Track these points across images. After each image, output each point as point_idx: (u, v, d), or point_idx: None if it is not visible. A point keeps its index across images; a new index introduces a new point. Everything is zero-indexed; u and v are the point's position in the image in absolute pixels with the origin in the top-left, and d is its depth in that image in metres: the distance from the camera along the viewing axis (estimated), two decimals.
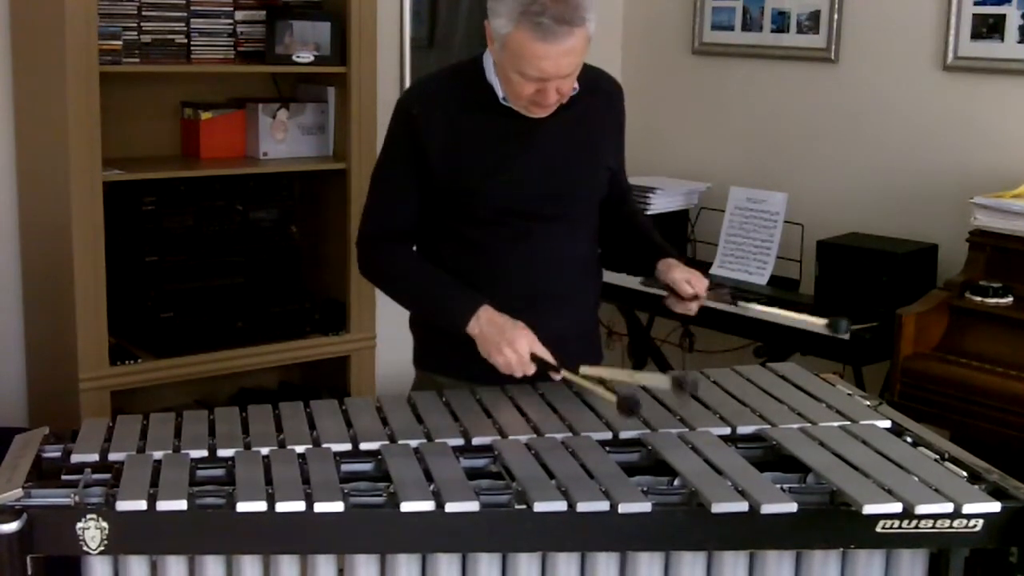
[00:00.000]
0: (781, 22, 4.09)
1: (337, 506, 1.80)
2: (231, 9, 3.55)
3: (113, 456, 1.97)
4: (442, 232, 2.40)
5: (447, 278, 2.34)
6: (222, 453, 2.00)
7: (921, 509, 1.82)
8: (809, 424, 2.17)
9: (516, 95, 2.24)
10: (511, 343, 2.20)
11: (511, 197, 2.32)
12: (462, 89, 2.34)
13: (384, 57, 3.83)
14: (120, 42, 3.32)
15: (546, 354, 2.22)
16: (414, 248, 2.44)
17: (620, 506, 1.82)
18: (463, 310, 2.26)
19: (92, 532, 1.78)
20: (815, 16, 3.98)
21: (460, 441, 2.06)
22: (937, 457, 2.05)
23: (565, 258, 2.39)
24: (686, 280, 2.37)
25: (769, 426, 2.16)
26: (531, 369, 2.21)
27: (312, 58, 3.60)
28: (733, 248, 3.97)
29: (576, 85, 2.30)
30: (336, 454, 2.00)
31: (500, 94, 2.29)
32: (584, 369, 2.23)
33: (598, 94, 2.41)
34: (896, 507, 1.82)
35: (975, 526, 1.86)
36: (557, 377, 2.24)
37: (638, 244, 2.52)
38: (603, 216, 2.49)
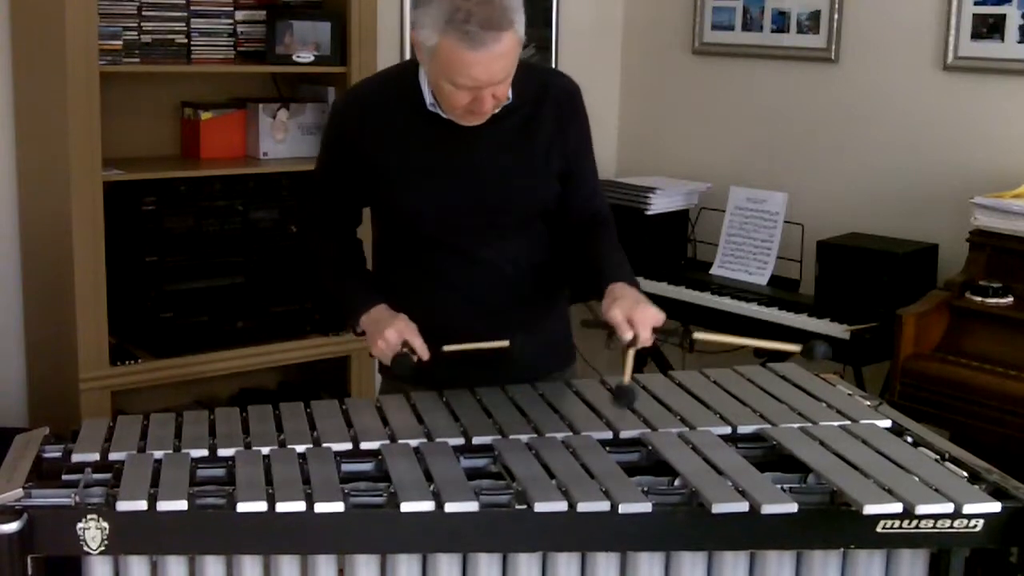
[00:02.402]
0: (781, 22, 4.09)
1: (337, 506, 1.80)
2: (231, 9, 3.55)
3: (113, 456, 1.98)
4: (391, 248, 2.39)
5: (356, 279, 2.38)
6: (222, 453, 2.00)
7: (921, 509, 1.82)
8: (809, 424, 2.17)
9: (451, 106, 2.17)
10: (382, 333, 2.21)
11: (444, 207, 2.27)
12: (393, 97, 2.28)
13: (384, 57, 3.83)
14: (120, 42, 3.32)
15: (416, 341, 2.21)
16: (352, 233, 2.44)
17: (620, 506, 1.82)
18: (359, 307, 2.29)
19: (92, 532, 1.78)
20: (815, 16, 3.99)
21: (460, 441, 2.07)
22: (937, 457, 2.05)
23: (511, 266, 2.32)
24: (627, 319, 2.10)
25: (769, 426, 2.16)
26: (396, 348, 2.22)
27: (312, 58, 3.60)
28: (733, 248, 3.97)
29: (510, 94, 2.21)
30: (336, 454, 2.00)
31: (428, 100, 2.22)
32: (447, 347, 2.23)
33: (547, 100, 2.29)
34: (896, 507, 1.82)
35: (975, 526, 1.86)
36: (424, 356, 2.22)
37: (584, 267, 2.33)
38: (560, 231, 2.38)
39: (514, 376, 2.33)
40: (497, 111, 2.21)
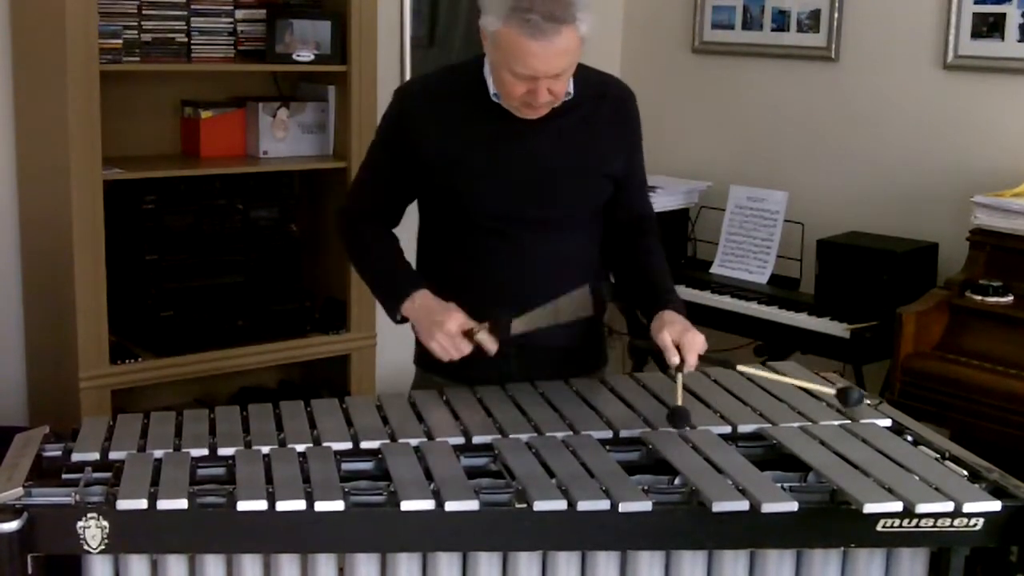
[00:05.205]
0: (781, 21, 4.09)
1: (337, 505, 1.80)
2: (231, 8, 3.55)
3: (114, 455, 1.98)
4: (438, 237, 2.40)
5: (398, 262, 2.36)
6: (223, 452, 2.00)
7: (922, 508, 1.82)
8: (809, 423, 2.17)
9: (508, 95, 2.22)
10: (440, 325, 2.20)
11: (499, 198, 2.30)
12: (458, 88, 2.33)
13: (384, 56, 3.83)
14: (120, 41, 3.32)
15: (482, 334, 2.20)
16: (391, 230, 2.43)
17: (620, 505, 1.82)
18: (401, 291, 2.28)
19: (93, 531, 1.78)
20: (815, 15, 3.98)
21: (460, 440, 2.06)
22: (937, 456, 2.06)
23: (559, 263, 2.35)
24: (675, 343, 2.20)
25: (770, 425, 2.16)
26: (466, 348, 2.21)
27: (312, 57, 3.60)
28: (733, 247, 3.97)
29: (570, 90, 2.26)
30: (336, 453, 2.00)
31: (491, 90, 2.27)
32: (515, 324, 2.23)
33: (605, 101, 2.37)
34: (897, 506, 1.82)
35: (975, 525, 1.86)
36: (493, 349, 2.22)
37: (637, 282, 2.41)
38: (606, 230, 2.43)
39: (547, 375, 2.35)
40: (556, 106, 2.25)
